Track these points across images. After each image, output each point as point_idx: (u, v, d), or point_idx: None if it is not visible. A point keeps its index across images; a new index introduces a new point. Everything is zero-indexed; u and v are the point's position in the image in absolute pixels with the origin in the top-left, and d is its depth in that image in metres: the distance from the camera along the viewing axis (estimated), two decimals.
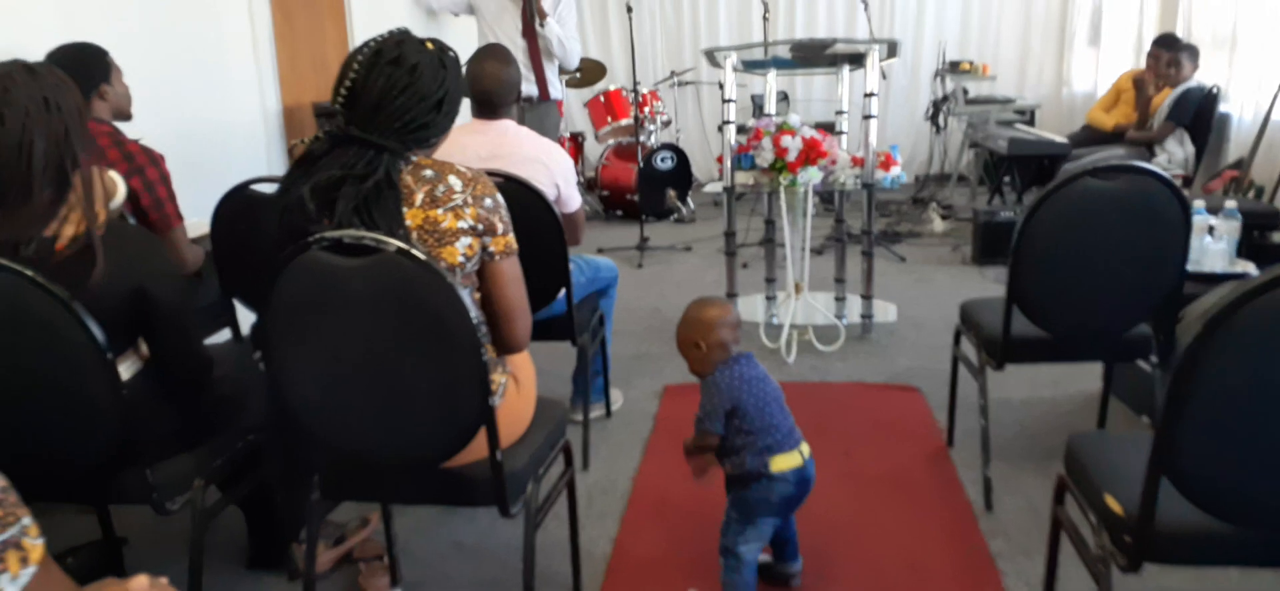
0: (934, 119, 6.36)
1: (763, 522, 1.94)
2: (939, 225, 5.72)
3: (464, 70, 1.77)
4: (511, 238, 1.71)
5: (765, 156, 3.45)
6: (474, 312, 1.54)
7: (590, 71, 6.78)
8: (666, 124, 6.72)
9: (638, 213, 6.09)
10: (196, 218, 2.68)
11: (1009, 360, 2.34)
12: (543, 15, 4.53)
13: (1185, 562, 1.44)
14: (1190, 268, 2.37)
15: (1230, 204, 2.77)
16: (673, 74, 7.00)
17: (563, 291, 2.59)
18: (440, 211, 1.60)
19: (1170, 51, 4.79)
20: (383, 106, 1.58)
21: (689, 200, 6.54)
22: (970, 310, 2.57)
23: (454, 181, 1.62)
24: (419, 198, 1.60)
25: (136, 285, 1.66)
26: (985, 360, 2.39)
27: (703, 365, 1.97)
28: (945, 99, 6.29)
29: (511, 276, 1.71)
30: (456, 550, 2.32)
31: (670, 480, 2.56)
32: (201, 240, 2.67)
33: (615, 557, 2.24)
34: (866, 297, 3.74)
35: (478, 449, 1.66)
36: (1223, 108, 4.64)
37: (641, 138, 6.33)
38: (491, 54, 2.65)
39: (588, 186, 6.67)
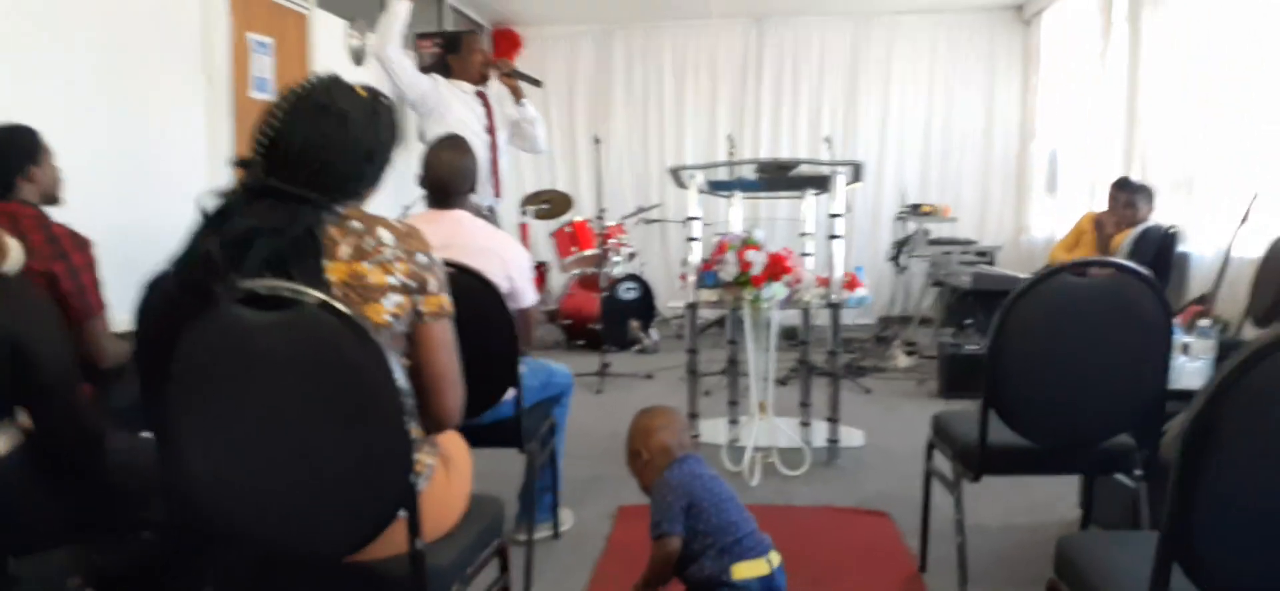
0: (896, 259, 6.40)
1: None
2: (903, 361, 5.64)
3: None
4: (447, 299, 1.56)
5: (729, 271, 3.37)
6: (401, 380, 1.37)
7: (557, 203, 6.79)
8: (632, 256, 6.68)
9: (600, 342, 5.96)
10: (126, 313, 2.51)
11: (986, 471, 2.19)
12: (520, 95, 4.44)
13: None
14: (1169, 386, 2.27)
15: (1204, 323, 2.70)
16: (639, 209, 7.02)
17: (512, 393, 2.42)
18: (367, 265, 1.45)
19: (1127, 193, 4.87)
20: (307, 156, 1.45)
21: (652, 331, 6.44)
22: (944, 421, 2.43)
23: (384, 234, 1.48)
24: (344, 250, 1.45)
25: (13, 341, 1.47)
26: (960, 471, 2.23)
27: (648, 474, 1.81)
28: (907, 240, 6.34)
29: (444, 341, 1.55)
30: None
31: None
32: (126, 337, 2.49)
33: None
34: (833, 421, 3.60)
35: (397, 542, 1.46)
36: (1182, 247, 4.68)
37: (606, 269, 6.28)
38: (449, 143, 2.58)
39: (550, 317, 6.55)
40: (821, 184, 3.79)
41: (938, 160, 7.39)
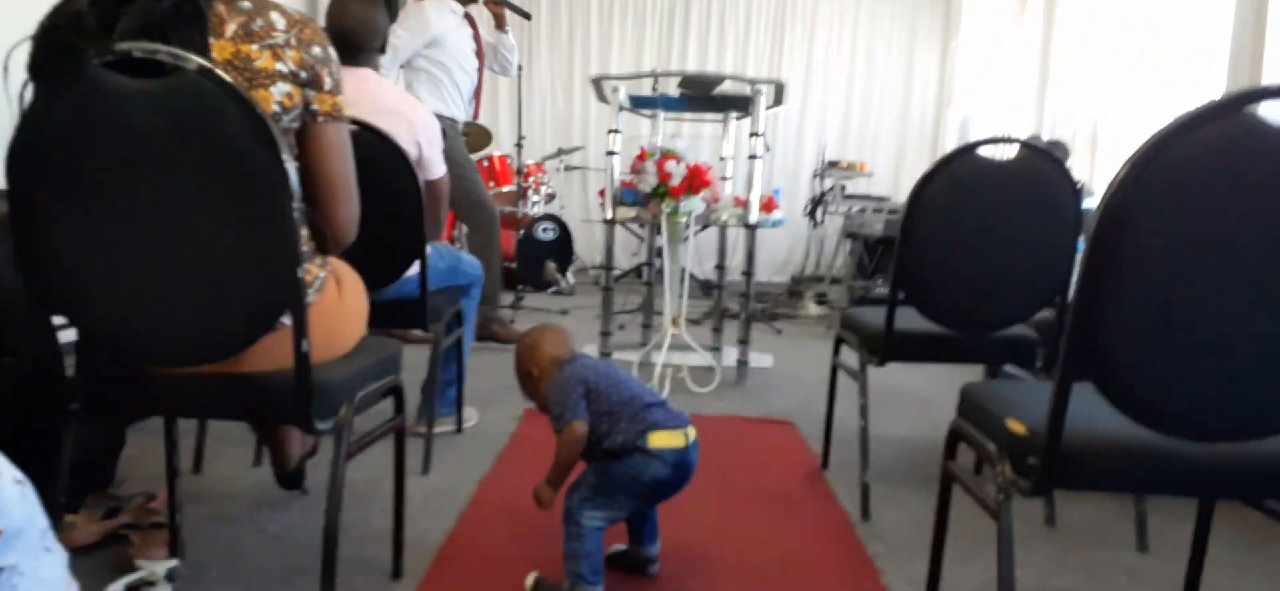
0: (812, 215, 6.46)
1: (619, 498, 1.65)
2: (815, 309, 5.71)
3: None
4: (342, 101, 1.46)
5: (648, 181, 3.32)
6: (289, 165, 1.27)
7: (475, 137, 6.60)
8: (551, 198, 6.58)
9: (515, 282, 5.86)
10: None
11: (892, 358, 2.20)
12: (504, 24, 4.27)
13: (1096, 487, 1.26)
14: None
15: None
16: (559, 151, 6.91)
17: (417, 269, 2.32)
18: (256, 47, 1.34)
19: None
20: None
21: (569, 274, 6.36)
22: (851, 313, 2.43)
23: (277, 18, 1.37)
24: (231, 28, 1.33)
25: None
26: (866, 358, 2.24)
27: (543, 385, 1.73)
28: (824, 196, 6.42)
29: (338, 146, 1.45)
30: (258, 535, 1.94)
31: (523, 487, 2.25)
32: None
33: (448, 547, 1.91)
34: (743, 342, 3.59)
35: (282, 355, 1.36)
36: (1087, 203, 4.86)
37: (524, 208, 6.17)
38: None
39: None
40: (743, 106, 3.77)
41: (857, 121, 7.50)
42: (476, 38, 4.07)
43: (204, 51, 1.29)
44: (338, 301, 1.50)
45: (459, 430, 2.78)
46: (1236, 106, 1.04)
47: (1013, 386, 1.53)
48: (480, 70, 4.12)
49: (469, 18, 4.03)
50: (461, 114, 3.99)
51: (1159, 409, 1.12)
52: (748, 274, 3.57)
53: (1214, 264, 1.05)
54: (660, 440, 1.63)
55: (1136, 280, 1.09)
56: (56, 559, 1.06)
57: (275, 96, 1.35)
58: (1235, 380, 1.09)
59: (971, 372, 2.87)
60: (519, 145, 5.77)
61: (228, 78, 1.22)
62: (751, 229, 3.50)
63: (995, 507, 1.31)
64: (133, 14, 1.26)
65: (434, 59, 3.82)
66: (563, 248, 6.35)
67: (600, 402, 1.65)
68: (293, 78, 1.36)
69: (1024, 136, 5.47)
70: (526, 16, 4.36)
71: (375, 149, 2.15)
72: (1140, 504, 2.10)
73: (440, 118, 3.67)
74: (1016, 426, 1.31)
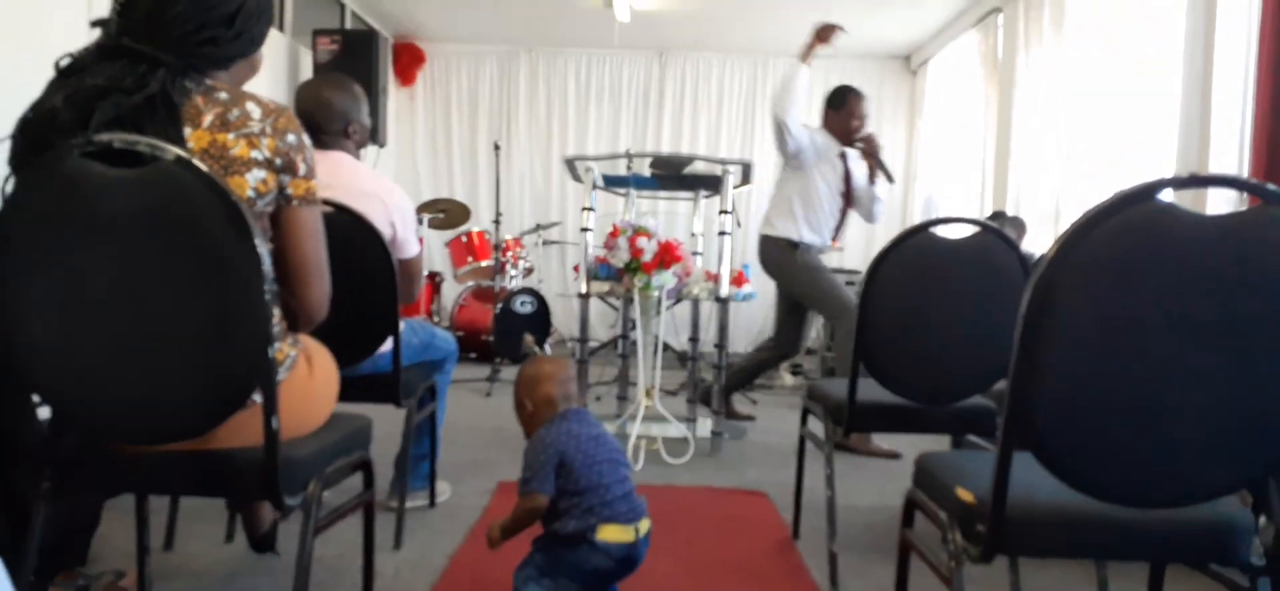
0: None
1: (562, 582, 1.71)
2: (789, 380, 5.77)
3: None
4: (315, 185, 1.51)
5: (621, 256, 3.39)
6: (263, 251, 1.32)
7: (453, 213, 6.69)
8: (529, 271, 6.65)
9: (492, 355, 5.88)
10: None
11: (856, 428, 2.25)
12: (874, 178, 4.17)
13: (1043, 552, 1.31)
14: None
15: None
16: (537, 226, 7.00)
17: (390, 346, 2.36)
18: (231, 136, 1.40)
19: (998, 223, 5.16)
20: (161, 11, 1.38)
21: (547, 346, 6.38)
22: (817, 385, 2.49)
23: (252, 108, 1.43)
24: (208, 118, 1.39)
25: None
26: (831, 430, 2.29)
27: (531, 425, 1.79)
28: None
29: (312, 229, 1.51)
30: None
31: (496, 560, 2.26)
32: None
33: None
34: (717, 413, 3.63)
35: (252, 433, 1.39)
36: None
37: (501, 281, 6.23)
38: (325, 77, 2.52)
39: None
40: (714, 186, 3.88)
41: None
42: (846, 178, 4.15)
43: (179, 142, 1.35)
44: (308, 379, 1.54)
45: (432, 504, 2.78)
46: (1149, 194, 1.12)
47: (964, 456, 1.59)
48: (843, 211, 4.21)
49: (842, 155, 4.13)
50: (818, 240, 4.11)
51: (1090, 477, 1.18)
52: (720, 347, 3.63)
53: (1132, 341, 1.12)
54: (609, 534, 1.68)
55: (1063, 356, 1.15)
56: None
57: (250, 183, 1.40)
58: (1158, 451, 1.15)
59: (938, 442, 2.92)
60: (496, 221, 5.85)
61: (203, 166, 1.28)
62: (723, 302, 3.57)
63: (948, 574, 1.35)
64: (104, 108, 1.32)
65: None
66: (541, 320, 6.39)
67: (568, 480, 1.70)
68: (267, 164, 1.42)
69: (987, 212, 5.63)
70: (891, 180, 4.25)
71: (350, 230, 2.21)
72: (1101, 568, 2.14)
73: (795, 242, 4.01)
74: (965, 495, 1.36)
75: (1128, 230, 1.11)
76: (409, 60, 7.52)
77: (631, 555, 1.71)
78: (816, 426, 2.44)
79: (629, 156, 3.78)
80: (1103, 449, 1.18)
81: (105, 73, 1.35)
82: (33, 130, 1.34)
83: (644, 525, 1.73)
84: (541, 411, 1.79)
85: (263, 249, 1.31)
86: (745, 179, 3.77)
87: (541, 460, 1.71)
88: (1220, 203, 3.06)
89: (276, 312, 1.43)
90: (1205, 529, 1.30)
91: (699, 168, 3.85)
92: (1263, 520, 1.34)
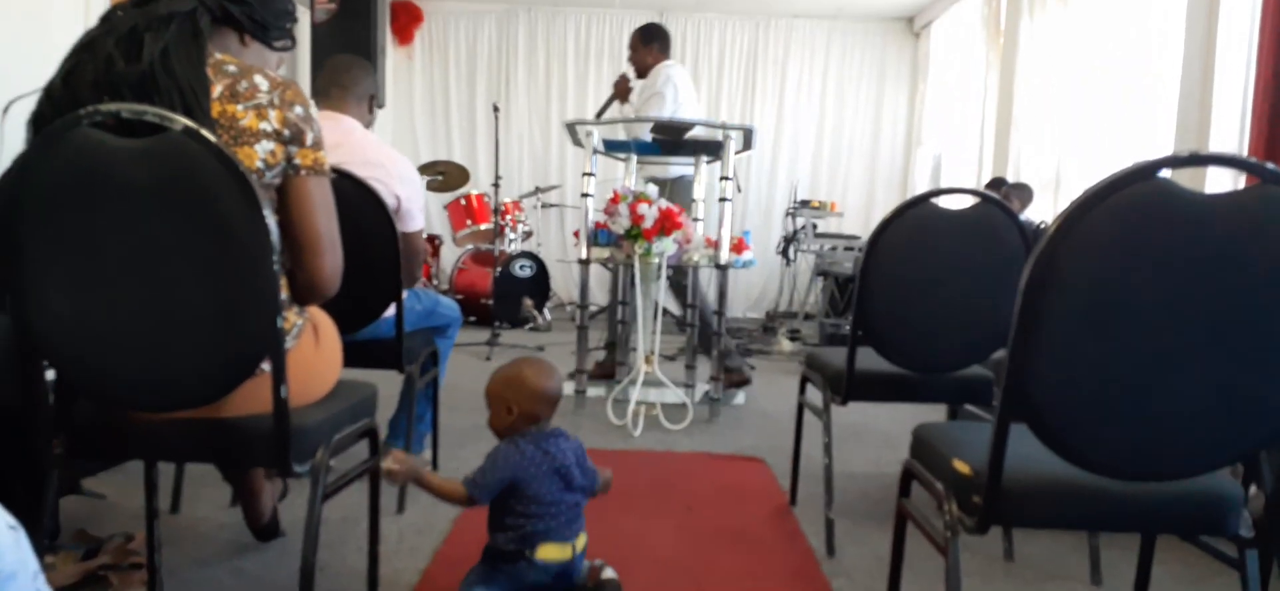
0: (785, 253, 6.58)
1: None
2: (787, 346, 5.80)
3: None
4: (324, 156, 1.52)
5: (621, 222, 3.40)
6: (270, 221, 1.33)
7: (452, 175, 6.68)
8: (528, 235, 6.65)
9: (491, 319, 5.90)
10: None
11: (853, 397, 2.28)
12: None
13: (1037, 523, 1.34)
14: None
15: None
16: (537, 190, 7.00)
17: (392, 311, 2.37)
18: (240, 107, 1.41)
19: (1001, 190, 5.16)
20: None
21: (546, 311, 6.41)
22: (815, 354, 2.51)
23: (260, 80, 1.44)
24: (217, 90, 1.40)
25: None
26: (829, 398, 2.32)
27: (502, 427, 1.80)
28: (796, 234, 6.53)
29: (320, 200, 1.52)
30: (235, 575, 1.97)
31: None
32: None
33: (423, 585, 1.96)
34: (716, 379, 3.66)
35: (261, 400, 1.41)
36: None
37: (501, 245, 6.23)
38: (353, 59, 2.56)
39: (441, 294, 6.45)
40: (715, 151, 3.87)
41: (828, 161, 7.65)
42: None
43: (202, 79, 1.36)
44: (315, 348, 1.56)
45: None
46: (1150, 172, 1.13)
47: (961, 427, 1.61)
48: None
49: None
50: None
51: (1085, 450, 1.20)
52: (719, 313, 3.65)
53: (1130, 317, 1.14)
54: (547, 552, 1.74)
55: (1062, 330, 1.17)
56: None
57: (259, 154, 1.41)
58: (1152, 425, 1.18)
59: (937, 411, 2.95)
60: (496, 184, 5.84)
61: (212, 137, 1.29)
62: (722, 269, 3.58)
63: (943, 544, 1.38)
64: (149, 42, 1.34)
65: None
66: (540, 284, 6.41)
67: (519, 499, 1.73)
68: (276, 136, 1.43)
69: (990, 178, 5.63)
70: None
71: (355, 198, 2.22)
72: (1093, 538, 2.18)
73: None
74: (961, 466, 1.39)
75: (1128, 208, 1.13)
76: (407, 20, 7.46)
77: (567, 569, 1.77)
78: (815, 395, 2.47)
79: (629, 121, 3.77)
80: (1099, 422, 1.21)
81: (137, 16, 1.38)
82: (86, 75, 1.35)
83: (580, 541, 1.79)
84: (519, 424, 1.79)
85: (271, 220, 1.32)
86: (747, 144, 3.76)
87: (495, 475, 1.74)
88: (1221, 179, 3.07)
89: (283, 282, 1.44)
90: (1196, 500, 1.33)
91: (699, 133, 3.84)
92: (1253, 490, 1.37)
